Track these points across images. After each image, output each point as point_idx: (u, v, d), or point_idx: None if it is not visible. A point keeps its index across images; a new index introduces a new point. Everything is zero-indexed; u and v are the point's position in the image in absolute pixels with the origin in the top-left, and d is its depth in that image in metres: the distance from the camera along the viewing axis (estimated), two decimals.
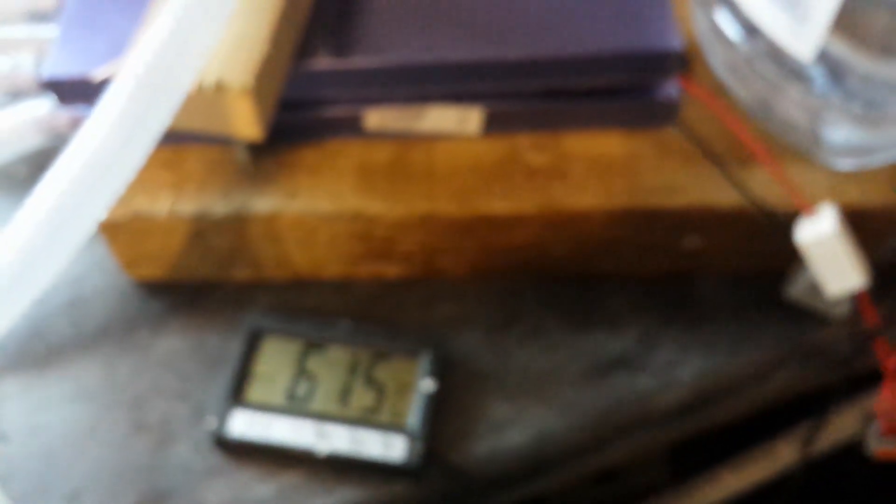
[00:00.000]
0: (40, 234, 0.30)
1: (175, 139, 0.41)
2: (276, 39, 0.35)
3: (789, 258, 0.40)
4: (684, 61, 0.42)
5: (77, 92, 0.39)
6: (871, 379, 0.44)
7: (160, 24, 0.31)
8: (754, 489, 0.63)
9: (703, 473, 0.63)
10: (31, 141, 0.43)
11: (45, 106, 0.42)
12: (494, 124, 0.42)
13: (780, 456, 0.61)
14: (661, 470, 0.79)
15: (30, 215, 0.30)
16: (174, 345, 0.44)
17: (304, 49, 0.40)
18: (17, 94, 0.41)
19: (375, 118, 0.42)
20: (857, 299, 0.40)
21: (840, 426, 0.60)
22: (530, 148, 0.43)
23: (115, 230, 0.42)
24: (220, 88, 0.33)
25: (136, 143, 0.30)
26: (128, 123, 0.30)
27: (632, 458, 0.77)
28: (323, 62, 0.40)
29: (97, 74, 0.35)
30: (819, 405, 0.49)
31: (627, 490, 0.72)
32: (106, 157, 0.30)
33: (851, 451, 0.52)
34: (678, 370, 0.43)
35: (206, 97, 0.33)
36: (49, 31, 0.43)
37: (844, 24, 0.36)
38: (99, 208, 0.31)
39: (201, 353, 0.43)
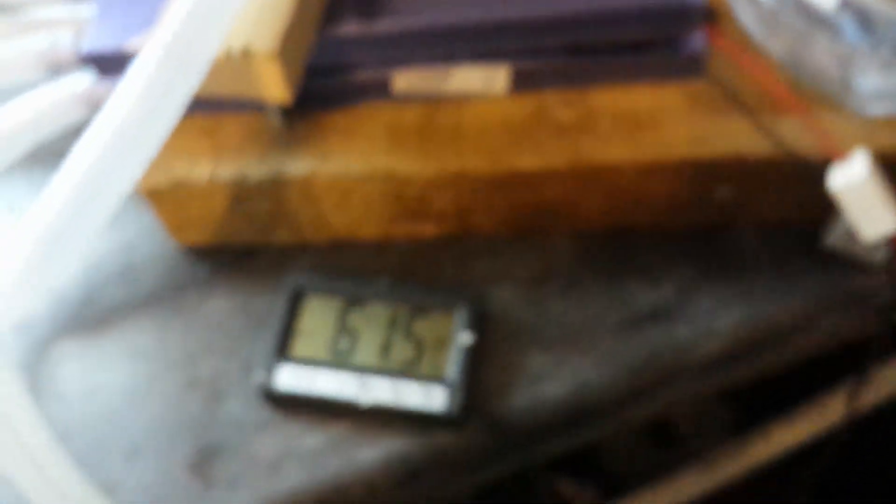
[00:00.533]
0: (75, 199, 0.31)
1: (211, 107, 0.43)
2: (301, 5, 0.36)
3: (825, 206, 0.40)
4: (710, 14, 0.42)
5: (116, 64, 0.40)
6: None
7: None
8: (806, 445, 0.62)
9: (755, 429, 0.63)
10: (74, 115, 0.43)
11: (85, 80, 0.43)
12: (521, 82, 0.42)
13: (829, 411, 0.61)
14: (722, 430, 0.79)
15: (64, 181, 0.31)
16: (221, 305, 0.45)
17: (331, 14, 0.40)
18: (57, 70, 0.42)
19: (403, 81, 0.42)
20: (892, 244, 0.39)
21: (888, 379, 0.59)
22: (558, 104, 0.42)
23: (159, 197, 0.43)
24: (246, 53, 0.34)
25: (166, 108, 0.31)
26: (156, 89, 0.31)
27: (689, 416, 0.78)
28: (350, 27, 0.40)
29: (134, 46, 0.36)
30: (863, 356, 0.49)
31: (686, 452, 0.72)
32: (136, 122, 0.31)
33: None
34: (716, 321, 0.42)
35: (234, 62, 0.34)
36: (86, 9, 0.44)
37: None
38: (132, 172, 0.32)
39: (247, 313, 0.44)
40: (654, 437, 0.79)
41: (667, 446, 0.79)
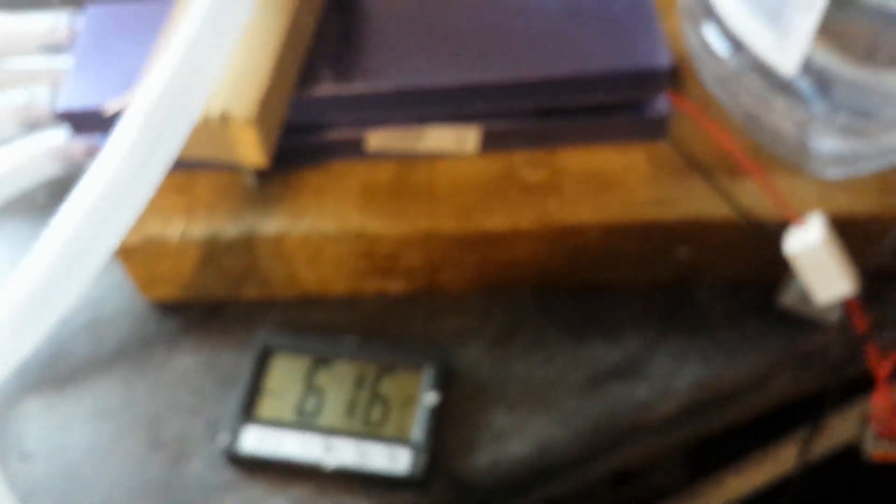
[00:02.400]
0: (59, 263, 0.31)
1: (186, 165, 0.42)
2: (278, 71, 0.36)
3: (781, 267, 0.40)
4: (673, 78, 0.42)
5: (91, 122, 0.39)
6: (867, 382, 0.43)
7: (167, 60, 0.31)
8: (759, 492, 0.62)
9: (709, 477, 0.63)
10: (49, 169, 0.43)
11: (60, 136, 0.42)
12: (491, 143, 0.42)
13: (782, 459, 0.61)
14: (676, 472, 0.78)
15: (49, 244, 0.31)
16: (189, 363, 0.44)
17: (307, 76, 0.40)
18: (33, 125, 0.41)
19: (377, 140, 0.42)
20: (846, 306, 0.40)
21: (839, 429, 0.59)
22: (526, 165, 0.43)
23: (130, 254, 0.42)
24: (224, 119, 0.34)
25: (147, 174, 0.31)
26: (139, 155, 0.30)
27: (644, 462, 0.77)
28: (325, 89, 0.40)
29: (110, 106, 0.36)
30: (817, 409, 0.49)
31: (643, 492, 0.72)
32: (119, 188, 0.30)
33: (852, 453, 0.51)
34: (674, 379, 0.42)
35: (212, 127, 0.34)
36: (63, 62, 0.44)
37: (828, 33, 0.36)
38: (114, 236, 0.32)
39: (215, 371, 0.43)
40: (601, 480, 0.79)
41: (624, 483, 0.79)
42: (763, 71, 0.39)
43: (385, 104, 0.40)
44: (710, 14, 0.40)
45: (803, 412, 0.49)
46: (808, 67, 0.37)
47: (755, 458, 0.62)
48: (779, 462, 0.61)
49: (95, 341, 0.45)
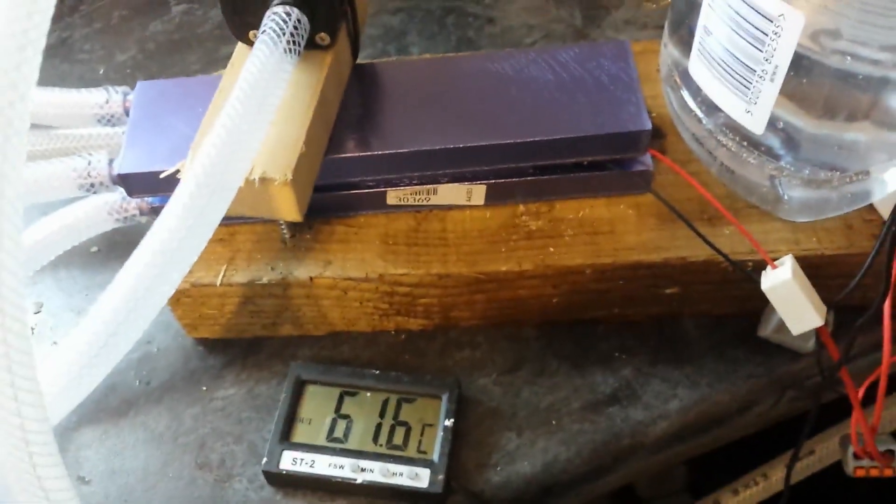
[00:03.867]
0: (121, 311, 0.34)
1: (229, 220, 0.46)
2: (309, 138, 0.40)
3: (760, 301, 0.43)
4: (655, 137, 0.46)
5: (144, 185, 0.43)
6: (848, 404, 0.46)
7: (214, 133, 0.35)
8: None
9: (706, 497, 0.65)
10: (105, 224, 0.47)
11: (115, 196, 0.46)
12: (496, 196, 0.46)
13: (773, 479, 0.63)
14: (677, 492, 0.81)
15: (112, 296, 0.35)
16: (230, 393, 0.47)
17: (335, 142, 0.44)
18: (91, 188, 0.45)
19: (396, 195, 0.46)
20: (819, 335, 0.42)
21: (827, 448, 0.62)
22: (528, 214, 0.46)
23: (178, 298, 0.46)
24: (264, 181, 0.38)
25: (198, 233, 0.35)
26: (191, 217, 0.34)
27: (645, 479, 0.79)
28: (350, 152, 0.44)
29: (166, 171, 0.40)
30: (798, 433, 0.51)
31: None
32: (174, 246, 0.34)
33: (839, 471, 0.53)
34: (666, 404, 0.46)
35: (254, 189, 0.38)
36: (116, 132, 0.48)
37: (791, 95, 0.39)
38: (168, 288, 0.35)
39: (254, 400, 0.47)
40: (613, 499, 0.81)
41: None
42: (735, 130, 0.42)
43: (402, 164, 0.44)
44: (688, 81, 0.44)
45: (794, 434, 0.52)
46: (774, 126, 0.41)
47: (749, 478, 0.64)
48: (771, 481, 0.64)
49: (146, 376, 0.48)
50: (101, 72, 0.65)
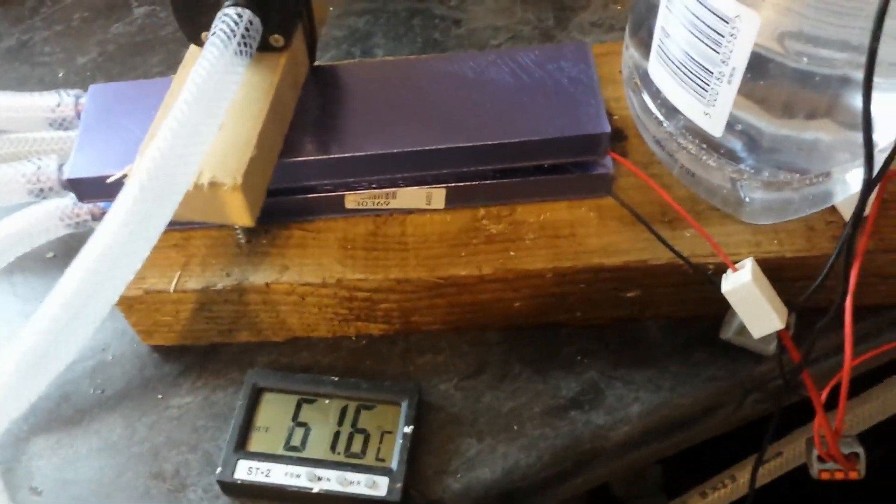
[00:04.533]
0: (63, 317, 0.33)
1: (182, 224, 0.45)
2: (262, 141, 0.39)
3: (722, 304, 0.42)
4: (618, 139, 0.45)
5: (94, 190, 0.42)
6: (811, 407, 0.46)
7: (161, 135, 0.34)
8: None
9: (674, 499, 0.65)
10: (57, 230, 0.46)
11: (67, 201, 0.45)
12: (456, 199, 0.45)
13: (741, 481, 0.63)
14: (652, 493, 0.80)
15: (54, 301, 0.33)
16: (186, 402, 0.46)
17: (291, 144, 0.43)
18: (41, 193, 0.44)
19: (354, 199, 0.45)
20: (782, 336, 0.42)
21: (795, 451, 0.62)
22: (488, 218, 0.46)
23: (131, 305, 0.45)
24: (213, 186, 0.37)
25: (141, 240, 0.34)
26: (134, 224, 0.33)
27: (621, 478, 0.79)
28: (307, 156, 0.43)
29: (113, 176, 0.39)
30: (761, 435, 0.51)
31: None
32: (117, 251, 0.33)
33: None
34: (628, 407, 0.45)
35: (203, 193, 0.37)
36: (68, 136, 0.47)
37: (749, 95, 0.38)
38: (111, 296, 0.34)
39: (210, 409, 0.46)
40: (588, 500, 0.80)
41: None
42: (695, 132, 0.42)
43: (361, 168, 0.43)
44: (648, 83, 0.44)
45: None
46: (733, 128, 0.40)
47: (719, 480, 0.64)
48: (741, 484, 0.64)
49: (100, 384, 0.47)
50: (61, 74, 0.63)
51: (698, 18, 0.37)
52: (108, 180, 0.38)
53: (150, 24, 0.67)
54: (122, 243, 0.33)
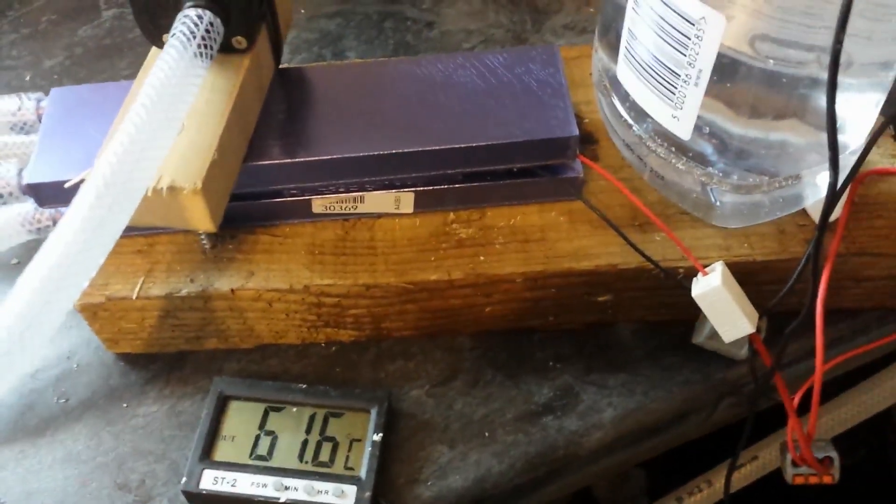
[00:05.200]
0: (23, 319, 0.32)
1: (146, 230, 0.44)
2: (223, 145, 0.38)
3: (694, 308, 0.42)
4: (588, 143, 0.45)
5: (54, 195, 0.41)
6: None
7: (117, 138, 0.34)
8: None
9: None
10: (19, 236, 0.45)
11: (28, 207, 0.44)
12: (425, 203, 0.45)
13: (717, 485, 0.63)
14: (635, 496, 0.80)
15: (13, 304, 0.32)
16: (152, 411, 0.45)
17: (256, 147, 0.43)
18: (2, 197, 0.43)
19: (321, 204, 0.45)
20: (753, 340, 0.42)
21: (771, 455, 0.62)
22: (458, 222, 0.45)
23: (94, 313, 0.44)
24: (173, 190, 0.36)
25: (97, 246, 0.33)
26: (89, 230, 0.32)
27: (604, 481, 0.78)
28: (272, 160, 0.42)
29: (71, 181, 0.38)
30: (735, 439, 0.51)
31: None
32: (75, 252, 0.32)
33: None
34: (601, 413, 0.45)
35: (163, 198, 0.36)
36: (30, 140, 0.46)
37: (716, 97, 0.38)
38: (71, 295, 0.33)
39: (177, 417, 0.45)
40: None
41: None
42: (664, 136, 0.42)
43: (327, 172, 0.43)
44: (617, 86, 0.44)
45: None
46: (702, 130, 0.40)
47: (694, 485, 0.64)
48: (717, 489, 0.63)
49: (65, 393, 0.46)
50: (28, 78, 0.63)
51: (664, 20, 0.37)
52: (66, 185, 0.37)
53: (119, 27, 0.66)
54: (77, 251, 0.32)
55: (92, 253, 0.33)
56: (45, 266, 0.32)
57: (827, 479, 0.47)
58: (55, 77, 0.62)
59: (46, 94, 0.47)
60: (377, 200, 0.44)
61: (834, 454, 0.46)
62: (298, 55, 0.62)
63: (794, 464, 0.47)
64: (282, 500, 0.41)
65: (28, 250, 0.50)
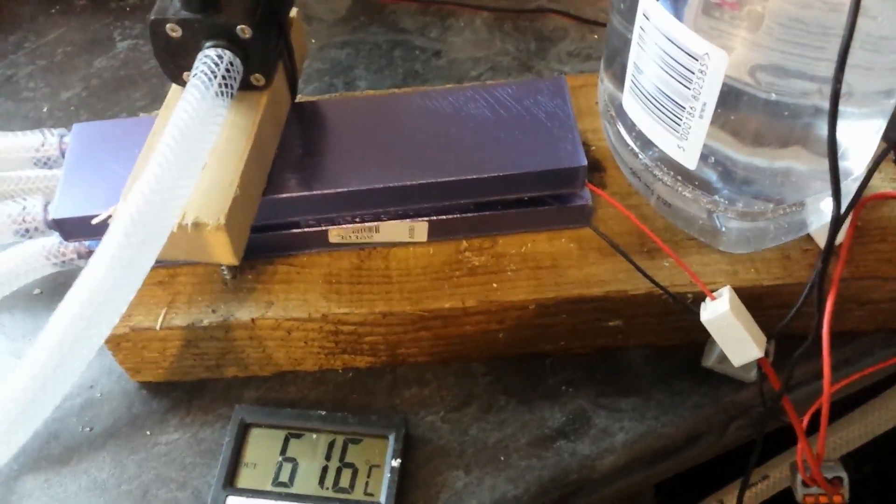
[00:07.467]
0: (56, 355, 0.34)
1: (168, 262, 0.46)
2: (245, 181, 0.40)
3: (703, 332, 0.43)
4: (596, 170, 0.46)
5: (79, 230, 0.43)
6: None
7: (145, 177, 0.35)
8: None
9: None
10: (44, 269, 0.46)
11: (53, 240, 0.46)
12: (438, 232, 0.46)
13: None
14: None
15: (44, 344, 0.34)
16: (175, 438, 0.47)
17: (275, 181, 0.44)
18: (27, 233, 0.45)
19: (337, 234, 0.46)
20: (762, 363, 0.43)
21: (782, 473, 0.63)
22: (471, 250, 0.47)
23: (118, 343, 0.45)
24: (197, 226, 0.38)
25: (126, 284, 0.34)
26: (119, 269, 0.34)
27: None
28: (290, 193, 0.44)
29: (98, 217, 0.39)
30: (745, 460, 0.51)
31: None
32: (104, 292, 0.34)
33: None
34: (613, 437, 0.46)
35: (187, 234, 0.38)
36: (53, 174, 0.48)
37: (721, 126, 0.39)
38: (101, 333, 0.35)
39: (199, 445, 0.46)
40: None
41: None
42: (670, 164, 0.43)
43: (343, 203, 0.44)
44: (623, 116, 0.45)
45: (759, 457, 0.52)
46: (708, 160, 0.42)
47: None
48: None
49: (89, 422, 0.48)
50: (45, 109, 0.64)
51: (669, 56, 0.38)
52: (93, 221, 0.39)
53: (134, 59, 0.68)
54: (107, 289, 0.34)
55: (122, 292, 0.34)
56: (76, 304, 0.34)
57: (837, 500, 0.48)
58: (72, 108, 0.64)
59: (65, 125, 0.49)
60: (392, 230, 0.46)
61: (843, 474, 0.47)
62: (310, 85, 0.64)
63: (805, 484, 0.48)
64: None
65: (50, 281, 0.52)
